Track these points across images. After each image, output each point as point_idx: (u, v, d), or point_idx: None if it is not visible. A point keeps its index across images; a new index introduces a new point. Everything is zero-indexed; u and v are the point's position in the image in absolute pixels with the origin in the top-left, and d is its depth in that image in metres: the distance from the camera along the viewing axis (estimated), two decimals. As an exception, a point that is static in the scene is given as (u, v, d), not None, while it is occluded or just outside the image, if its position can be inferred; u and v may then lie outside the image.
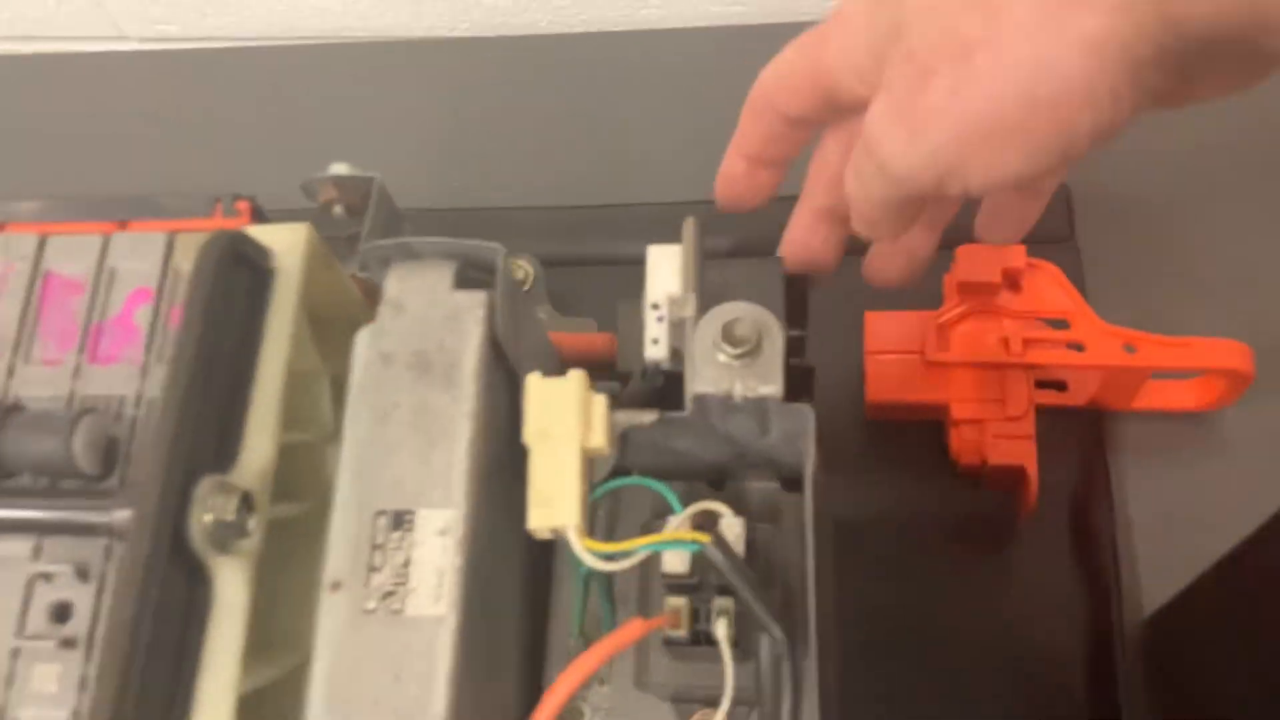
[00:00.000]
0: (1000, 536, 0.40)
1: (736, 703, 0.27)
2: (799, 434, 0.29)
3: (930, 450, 0.40)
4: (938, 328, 0.38)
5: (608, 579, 0.30)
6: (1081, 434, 0.40)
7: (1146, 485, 0.40)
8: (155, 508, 0.26)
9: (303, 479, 0.32)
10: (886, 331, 0.39)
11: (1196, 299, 0.42)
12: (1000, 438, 0.37)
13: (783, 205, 0.36)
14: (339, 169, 0.33)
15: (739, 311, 0.28)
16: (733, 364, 0.28)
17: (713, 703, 0.28)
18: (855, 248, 0.36)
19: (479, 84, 0.52)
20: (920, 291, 0.41)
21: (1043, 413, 0.40)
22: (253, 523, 0.28)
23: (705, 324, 0.28)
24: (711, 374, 0.28)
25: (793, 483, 0.33)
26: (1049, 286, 0.38)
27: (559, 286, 0.45)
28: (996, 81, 0.25)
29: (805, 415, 0.28)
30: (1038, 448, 0.39)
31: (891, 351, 0.39)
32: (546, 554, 0.32)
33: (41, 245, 0.32)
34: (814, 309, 0.41)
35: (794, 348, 0.39)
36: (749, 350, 0.28)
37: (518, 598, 0.32)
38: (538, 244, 0.45)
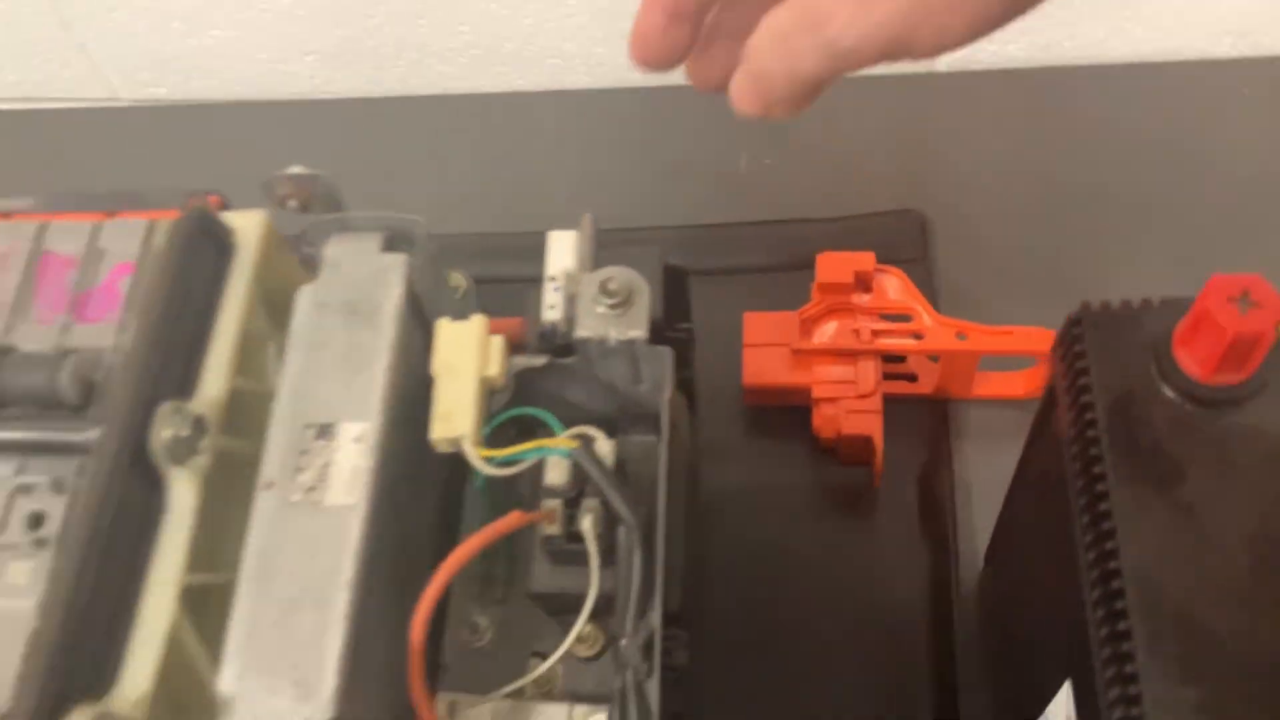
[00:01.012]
0: (859, 505, 0.45)
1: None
2: (663, 377, 0.34)
3: (799, 434, 0.46)
4: (802, 322, 0.44)
5: (505, 501, 0.35)
6: (929, 419, 0.46)
7: (985, 460, 0.45)
8: (121, 421, 0.31)
9: (247, 421, 0.36)
10: (761, 328, 0.45)
11: (1025, 303, 0.48)
12: (853, 412, 0.43)
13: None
14: (295, 169, 0.39)
15: (614, 272, 0.34)
16: (609, 314, 0.34)
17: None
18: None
19: (430, 136, 0.59)
20: (792, 298, 0.48)
21: (896, 402, 0.46)
22: (204, 442, 0.33)
23: (587, 282, 0.34)
24: (591, 322, 0.34)
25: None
26: (895, 287, 0.44)
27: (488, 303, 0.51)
28: None
29: (664, 354, 0.33)
30: (892, 431, 0.44)
31: (764, 344, 0.45)
32: (458, 485, 0.37)
33: (42, 230, 0.38)
34: (702, 315, 0.47)
35: (683, 337, 0.45)
36: (621, 302, 0.33)
37: (431, 515, 0.37)
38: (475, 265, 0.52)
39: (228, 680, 0.28)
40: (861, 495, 0.45)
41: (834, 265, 0.43)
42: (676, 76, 0.60)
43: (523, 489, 0.35)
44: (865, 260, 0.43)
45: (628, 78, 0.61)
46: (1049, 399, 0.29)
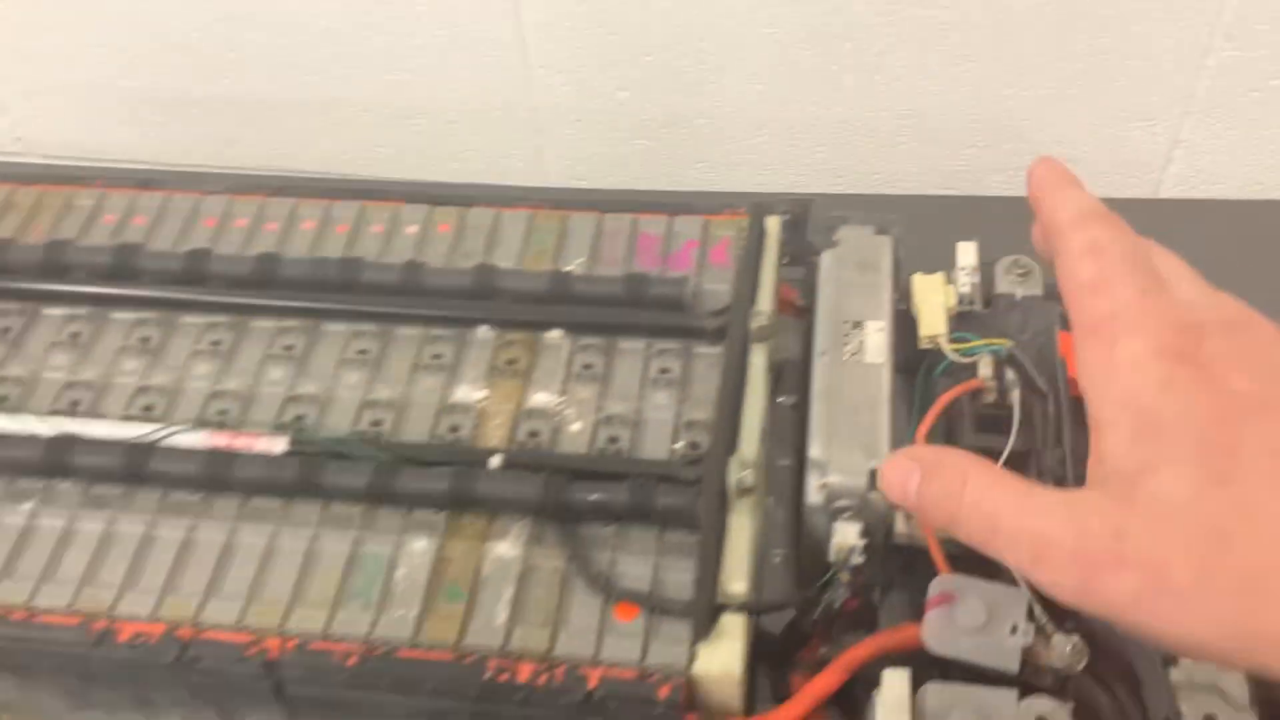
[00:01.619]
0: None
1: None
2: (1045, 329, 0.54)
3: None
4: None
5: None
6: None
7: None
8: (739, 317, 0.52)
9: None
10: (1065, 342, 0.65)
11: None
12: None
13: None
14: (788, 194, 0.60)
15: (1020, 256, 0.54)
16: (1016, 280, 0.54)
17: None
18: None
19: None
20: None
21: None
22: (767, 332, 0.53)
23: (1001, 262, 0.54)
24: (1004, 285, 0.54)
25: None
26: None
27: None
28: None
29: (1053, 307, 0.53)
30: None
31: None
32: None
33: (635, 221, 0.60)
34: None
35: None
36: (1024, 274, 0.54)
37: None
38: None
39: (817, 449, 0.47)
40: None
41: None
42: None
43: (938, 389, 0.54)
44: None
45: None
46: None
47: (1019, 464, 0.52)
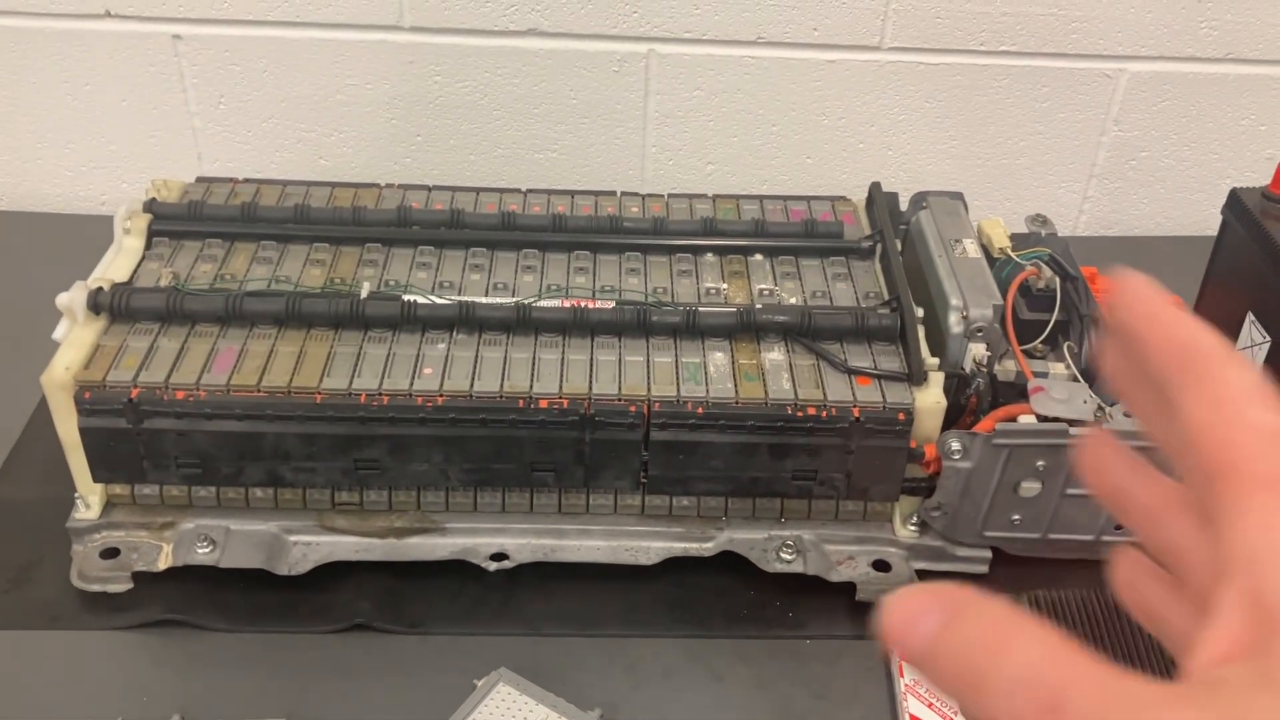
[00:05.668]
0: None
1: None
2: (1062, 250, 0.85)
3: None
4: None
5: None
6: None
7: None
8: (886, 240, 0.82)
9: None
10: None
11: None
12: None
13: None
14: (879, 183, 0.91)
15: (1038, 213, 0.86)
16: (1038, 224, 0.85)
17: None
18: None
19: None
20: None
21: None
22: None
23: (1026, 217, 0.86)
24: (1030, 228, 0.85)
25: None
26: None
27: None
28: None
29: (1062, 241, 0.85)
30: None
31: None
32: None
33: (785, 203, 0.89)
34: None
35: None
36: (1043, 221, 0.85)
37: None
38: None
39: (956, 299, 0.76)
40: None
41: None
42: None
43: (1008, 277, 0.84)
44: None
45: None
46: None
47: (1060, 330, 0.82)
